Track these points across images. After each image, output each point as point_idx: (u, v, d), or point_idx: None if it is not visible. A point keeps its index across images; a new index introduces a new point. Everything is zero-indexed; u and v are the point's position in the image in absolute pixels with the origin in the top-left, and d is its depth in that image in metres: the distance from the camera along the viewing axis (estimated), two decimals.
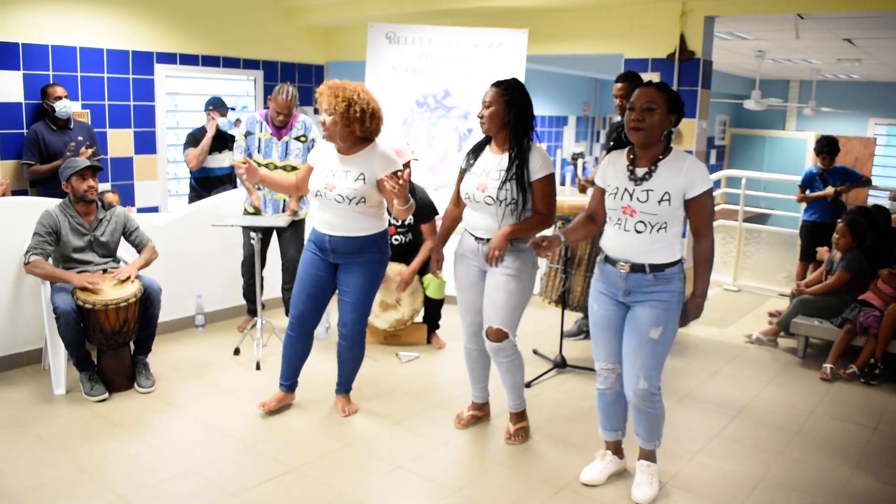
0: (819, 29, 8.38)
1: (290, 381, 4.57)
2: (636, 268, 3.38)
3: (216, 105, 6.75)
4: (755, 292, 7.95)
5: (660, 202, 3.29)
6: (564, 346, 5.43)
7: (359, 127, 4.02)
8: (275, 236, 5.90)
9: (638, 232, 3.35)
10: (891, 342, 5.39)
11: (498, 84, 3.89)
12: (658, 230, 3.33)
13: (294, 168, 5.62)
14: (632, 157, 3.42)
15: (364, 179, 4.06)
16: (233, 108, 7.08)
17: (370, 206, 4.14)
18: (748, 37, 9.48)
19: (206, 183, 6.77)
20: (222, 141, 6.69)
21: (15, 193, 6.07)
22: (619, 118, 5.52)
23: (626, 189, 3.37)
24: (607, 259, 3.51)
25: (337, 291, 4.41)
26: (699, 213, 3.32)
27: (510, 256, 3.90)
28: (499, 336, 3.95)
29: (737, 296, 7.93)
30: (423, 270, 5.65)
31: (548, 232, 3.74)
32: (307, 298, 4.36)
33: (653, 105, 3.27)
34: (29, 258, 4.53)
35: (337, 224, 4.16)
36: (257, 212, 5.67)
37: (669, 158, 3.33)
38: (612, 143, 5.10)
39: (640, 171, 3.36)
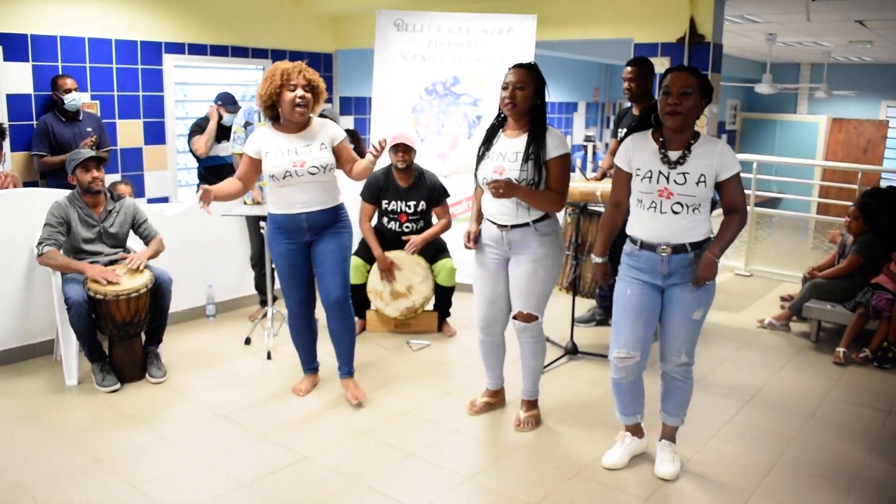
0: (830, 11, 8.29)
1: (313, 363, 4.70)
2: (678, 248, 3.41)
3: (225, 101, 6.73)
4: (767, 277, 7.91)
5: (697, 184, 3.34)
6: (576, 333, 5.42)
7: (320, 101, 4.24)
8: None
9: (675, 213, 3.38)
10: None
11: (526, 66, 3.87)
12: (694, 210, 3.38)
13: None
14: (661, 139, 3.43)
15: (326, 147, 4.21)
16: (239, 107, 7.00)
17: (333, 175, 4.28)
18: (759, 20, 9.39)
19: (216, 171, 6.74)
20: (230, 130, 6.67)
21: (25, 185, 6.08)
22: (628, 104, 5.51)
23: (660, 172, 3.39)
24: (643, 245, 3.49)
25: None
26: (733, 192, 3.40)
27: (535, 242, 3.91)
28: (528, 318, 4.01)
29: (749, 280, 7.89)
30: (434, 258, 5.65)
31: (560, 216, 3.77)
32: (299, 288, 4.43)
33: (689, 89, 3.31)
34: (42, 249, 4.53)
35: (309, 200, 4.21)
36: (256, 202, 5.62)
37: (701, 142, 3.40)
38: (632, 126, 5.07)
39: (673, 155, 3.39)
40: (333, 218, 4.31)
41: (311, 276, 4.45)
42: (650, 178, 3.41)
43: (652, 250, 3.46)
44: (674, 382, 3.63)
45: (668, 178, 3.37)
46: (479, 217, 4.17)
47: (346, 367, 4.57)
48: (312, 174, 4.14)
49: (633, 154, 3.50)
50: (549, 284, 4.00)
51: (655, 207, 3.42)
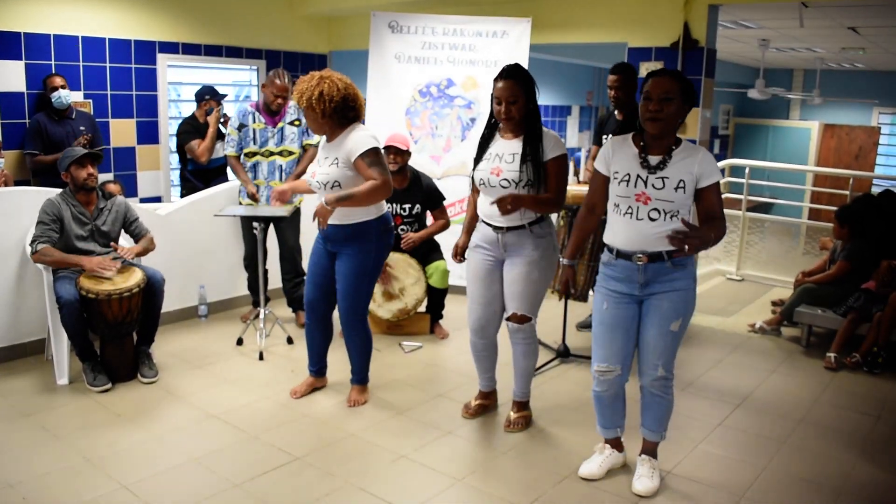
0: (823, 17, 8.34)
1: (316, 366, 4.66)
2: (654, 257, 3.33)
3: (212, 94, 6.70)
4: (759, 282, 7.93)
5: (676, 189, 3.26)
6: (567, 336, 5.42)
7: (336, 119, 4.06)
8: (272, 226, 5.84)
9: (652, 219, 3.30)
10: (894, 331, 5.36)
11: (512, 76, 3.82)
12: (671, 217, 3.28)
13: (291, 153, 5.62)
14: (641, 144, 3.37)
15: (338, 163, 4.07)
16: (224, 97, 6.99)
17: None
18: (752, 25, 9.44)
19: (204, 175, 6.71)
20: (219, 132, 6.67)
21: (17, 184, 6.06)
22: (609, 110, 5.56)
23: (638, 176, 3.32)
24: (619, 254, 3.42)
25: None
26: (713, 200, 3.29)
27: (530, 244, 3.92)
28: (522, 320, 4.00)
29: (740, 285, 7.91)
30: (427, 260, 5.65)
31: (553, 218, 3.76)
32: (314, 287, 4.42)
33: (670, 95, 3.22)
34: (37, 247, 4.52)
35: None
36: (254, 199, 5.60)
37: (682, 148, 3.31)
38: (615, 132, 5.10)
39: (653, 160, 3.31)
40: (349, 236, 4.17)
41: (329, 283, 4.38)
42: (628, 181, 3.33)
43: (628, 259, 3.39)
44: (652, 397, 3.52)
45: (646, 183, 3.30)
46: (470, 228, 4.19)
47: (356, 376, 4.56)
48: (317, 188, 4.15)
49: (612, 157, 3.43)
50: (543, 286, 4.01)
51: (632, 213, 3.34)
